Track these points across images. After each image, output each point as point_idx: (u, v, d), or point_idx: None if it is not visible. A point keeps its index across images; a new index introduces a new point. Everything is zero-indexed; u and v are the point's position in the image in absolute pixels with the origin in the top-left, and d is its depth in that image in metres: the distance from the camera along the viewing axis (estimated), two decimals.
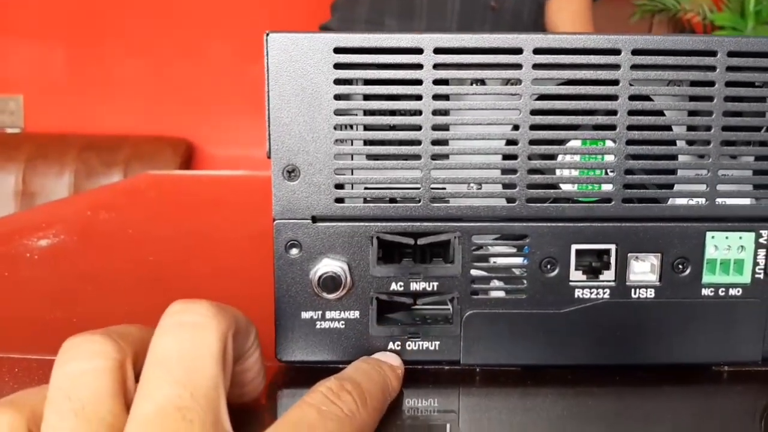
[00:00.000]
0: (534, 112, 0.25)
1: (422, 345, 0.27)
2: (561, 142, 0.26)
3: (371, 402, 0.22)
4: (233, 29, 1.62)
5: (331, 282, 0.25)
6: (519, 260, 0.26)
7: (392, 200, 0.26)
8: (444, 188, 0.26)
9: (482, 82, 0.26)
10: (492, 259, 0.26)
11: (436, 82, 0.25)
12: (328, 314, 0.26)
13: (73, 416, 0.18)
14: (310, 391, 0.21)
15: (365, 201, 0.26)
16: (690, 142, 0.26)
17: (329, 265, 0.25)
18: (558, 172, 0.26)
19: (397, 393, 0.25)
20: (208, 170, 1.59)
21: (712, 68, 0.25)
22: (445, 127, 0.25)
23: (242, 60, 1.58)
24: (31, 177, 1.55)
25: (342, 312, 0.26)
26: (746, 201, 0.26)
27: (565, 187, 0.26)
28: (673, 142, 0.26)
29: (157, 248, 0.49)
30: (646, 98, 0.25)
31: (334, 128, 0.25)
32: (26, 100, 1.69)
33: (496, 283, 0.26)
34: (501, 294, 0.26)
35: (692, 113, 0.26)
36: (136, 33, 1.64)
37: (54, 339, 0.31)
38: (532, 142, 0.25)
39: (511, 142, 0.25)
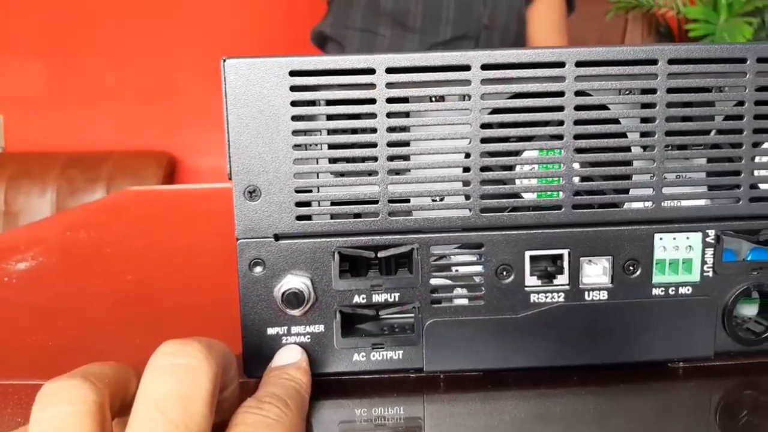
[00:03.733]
0: (484, 126, 0.26)
1: (386, 354, 0.27)
2: (512, 153, 0.27)
3: (292, 402, 0.23)
4: (214, 42, 1.63)
5: (294, 298, 0.26)
6: (477, 268, 0.27)
7: (353, 215, 0.27)
8: (402, 202, 0.27)
9: (442, 98, 0.27)
10: (454, 269, 0.27)
11: (390, 100, 0.26)
12: (294, 329, 0.27)
13: None
14: (233, 415, 0.22)
15: (326, 217, 0.27)
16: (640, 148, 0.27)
17: (292, 282, 0.26)
18: (515, 182, 0.27)
19: (310, 386, 0.26)
20: (190, 184, 1.59)
21: (654, 76, 0.26)
22: (400, 143, 0.26)
23: None
24: (13, 196, 1.54)
25: (307, 326, 0.27)
26: (692, 202, 0.27)
27: (522, 196, 0.27)
28: (619, 149, 0.27)
29: (135, 266, 0.49)
30: (592, 108, 0.26)
31: (293, 148, 0.26)
32: (6, 119, 1.68)
33: (456, 291, 0.27)
34: (460, 302, 0.27)
35: (644, 120, 0.27)
36: (115, 47, 1.64)
37: (30, 363, 0.32)
38: (484, 155, 0.26)
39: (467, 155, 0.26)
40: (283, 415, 0.22)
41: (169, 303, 0.40)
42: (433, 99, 0.27)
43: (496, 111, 0.26)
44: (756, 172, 0.27)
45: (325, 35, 1.10)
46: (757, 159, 0.27)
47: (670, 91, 0.26)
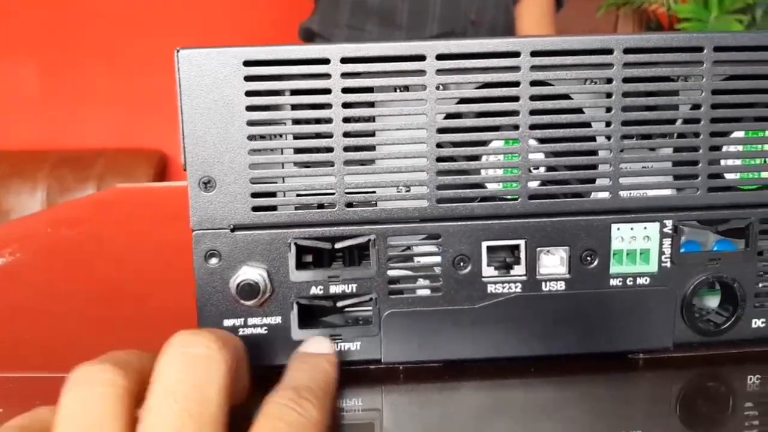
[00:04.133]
0: (443, 116, 0.26)
1: (345, 346, 0.27)
2: (470, 144, 0.27)
3: (324, 402, 0.23)
4: (203, 39, 1.62)
5: (249, 289, 0.26)
6: (434, 259, 0.27)
7: (310, 206, 0.27)
8: (360, 193, 0.27)
9: (407, 88, 0.26)
10: (415, 259, 0.27)
11: (345, 90, 0.26)
12: (251, 321, 0.27)
13: None
14: (267, 404, 0.22)
15: (283, 208, 0.27)
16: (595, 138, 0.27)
17: (248, 273, 0.26)
18: (472, 172, 0.27)
19: (337, 380, 0.25)
20: (180, 181, 1.59)
21: (609, 66, 0.26)
22: (357, 134, 0.26)
23: None
24: (4, 195, 1.54)
25: (264, 318, 0.27)
26: (650, 193, 0.27)
27: (483, 186, 0.27)
28: (576, 139, 0.27)
29: (114, 264, 0.49)
30: (548, 98, 0.26)
31: (248, 139, 0.26)
32: None
33: (414, 282, 0.27)
34: (418, 292, 0.27)
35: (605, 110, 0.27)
36: (106, 45, 1.64)
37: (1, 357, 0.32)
38: (442, 145, 0.26)
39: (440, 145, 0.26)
40: (317, 416, 0.22)
41: (143, 301, 0.40)
42: (398, 89, 0.27)
43: (448, 101, 0.26)
44: (714, 163, 0.27)
45: (313, 32, 1.10)
46: (715, 149, 0.27)
47: (626, 80, 0.26)
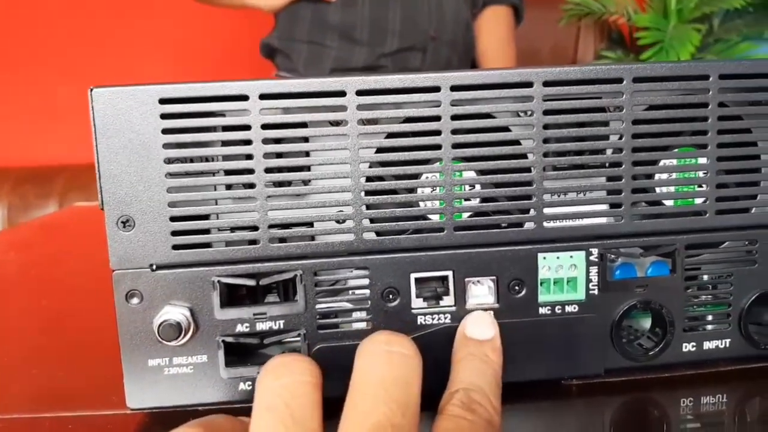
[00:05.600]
0: (379, 150, 0.26)
1: None
2: (396, 177, 0.26)
3: (495, 400, 0.23)
4: (166, 51, 1.61)
5: (170, 330, 0.25)
6: (363, 292, 0.27)
7: (236, 242, 0.26)
8: (283, 227, 0.26)
9: (338, 123, 0.26)
10: (350, 292, 0.27)
11: (265, 126, 0.25)
12: (176, 360, 0.26)
13: (291, 422, 0.20)
14: (443, 407, 0.22)
15: (205, 246, 0.26)
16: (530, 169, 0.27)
17: (170, 313, 0.26)
18: (401, 205, 0.27)
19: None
20: None
21: (530, 98, 0.26)
22: (279, 169, 0.26)
23: (182, 79, 1.57)
24: None
25: (189, 357, 0.26)
26: (575, 222, 0.27)
27: (418, 217, 0.26)
28: (499, 171, 0.27)
29: (55, 291, 0.48)
30: (471, 131, 0.26)
31: (166, 176, 0.25)
32: None
33: (343, 316, 0.27)
34: (347, 326, 0.27)
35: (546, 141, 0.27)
36: (66, 59, 1.61)
37: None
38: (369, 179, 0.26)
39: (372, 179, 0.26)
40: (493, 415, 0.22)
41: (77, 332, 0.39)
42: (331, 123, 0.26)
43: (373, 135, 0.26)
44: (639, 191, 0.27)
45: (273, 47, 1.09)
46: (639, 178, 0.27)
47: (546, 113, 0.26)
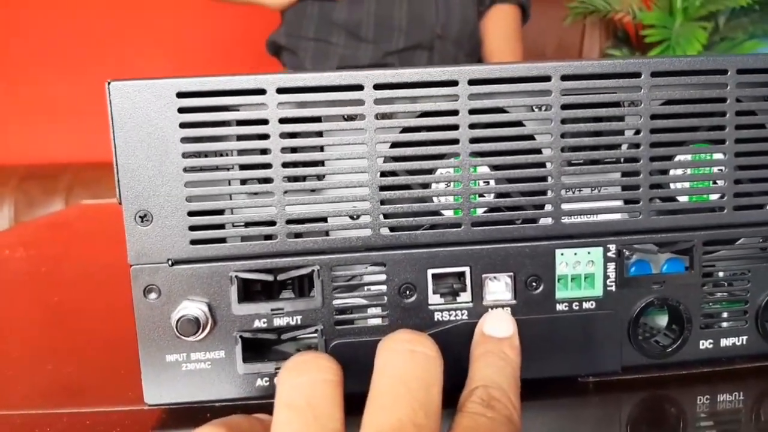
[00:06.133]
0: (394, 144, 0.26)
1: None
2: (412, 172, 0.26)
3: (514, 397, 0.23)
4: (172, 50, 1.61)
5: (188, 325, 0.25)
6: (380, 288, 0.27)
7: (254, 238, 0.26)
8: (301, 223, 0.26)
9: (350, 117, 0.26)
10: (357, 289, 0.27)
11: (282, 120, 0.25)
12: (193, 356, 0.26)
13: (313, 420, 0.20)
14: (463, 404, 0.22)
15: (223, 241, 0.26)
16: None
17: (188, 308, 0.26)
18: (420, 200, 0.26)
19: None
20: None
21: (548, 93, 0.26)
22: (297, 164, 0.26)
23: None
24: None
25: (207, 353, 0.26)
26: (592, 218, 0.27)
27: (435, 212, 0.26)
28: (516, 166, 0.26)
29: (67, 287, 0.48)
30: (488, 126, 0.26)
31: (184, 171, 0.25)
32: None
33: (361, 311, 0.27)
34: (365, 322, 0.27)
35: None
36: (71, 57, 1.61)
37: None
38: (384, 174, 0.26)
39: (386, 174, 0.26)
40: (512, 413, 0.22)
41: (89, 328, 0.39)
42: (345, 118, 0.26)
43: (391, 130, 0.26)
44: (656, 187, 0.27)
45: (279, 45, 1.09)
46: (658, 173, 0.27)
47: (564, 107, 0.26)
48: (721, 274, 0.28)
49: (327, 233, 0.27)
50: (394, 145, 0.26)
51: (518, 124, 0.26)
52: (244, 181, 0.26)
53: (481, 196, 0.27)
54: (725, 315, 0.29)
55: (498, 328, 0.26)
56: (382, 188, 0.26)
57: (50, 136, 1.62)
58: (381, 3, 1.02)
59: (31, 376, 0.32)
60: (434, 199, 0.27)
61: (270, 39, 1.11)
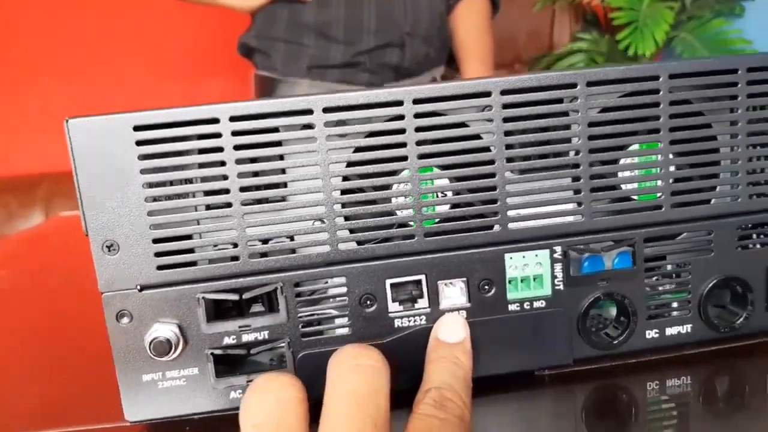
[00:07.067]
0: (349, 164, 0.27)
1: None
2: (367, 189, 0.28)
3: (466, 398, 0.25)
4: (152, 57, 1.60)
5: (161, 346, 0.27)
6: (343, 300, 0.28)
7: (218, 260, 0.28)
8: (261, 243, 0.28)
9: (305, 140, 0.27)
10: (330, 300, 0.28)
11: (237, 147, 0.26)
12: (168, 374, 0.28)
13: None
14: (417, 405, 0.24)
15: (188, 265, 0.27)
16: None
17: (159, 330, 0.27)
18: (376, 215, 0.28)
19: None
20: None
21: (489, 107, 0.27)
22: (255, 188, 0.27)
23: (160, 84, 1.57)
24: None
25: (181, 370, 0.28)
26: (538, 222, 0.29)
27: (389, 225, 0.28)
28: (469, 178, 0.28)
29: (48, 306, 0.49)
30: (435, 142, 0.27)
31: (146, 200, 0.26)
32: None
33: (324, 323, 0.28)
34: (330, 333, 0.28)
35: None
36: (45, 63, 1.60)
37: None
38: (342, 192, 0.27)
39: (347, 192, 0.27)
40: (462, 413, 0.23)
41: (70, 348, 0.40)
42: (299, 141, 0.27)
43: (344, 150, 0.27)
44: (596, 190, 0.29)
45: (250, 47, 1.10)
46: (596, 177, 0.29)
47: (506, 120, 0.28)
48: (664, 267, 0.30)
49: (291, 251, 0.28)
50: (350, 164, 0.27)
51: (465, 138, 0.28)
52: (207, 207, 0.27)
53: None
54: (670, 305, 0.31)
55: (451, 334, 0.27)
56: (339, 205, 0.27)
57: (24, 146, 1.61)
58: (349, 4, 1.03)
59: (16, 399, 0.33)
60: (391, 213, 0.28)
61: (241, 41, 1.11)
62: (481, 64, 1.09)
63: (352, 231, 0.28)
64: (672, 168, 0.29)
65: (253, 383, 0.23)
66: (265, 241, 0.28)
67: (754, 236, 0.30)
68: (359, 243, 0.28)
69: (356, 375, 0.23)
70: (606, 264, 0.30)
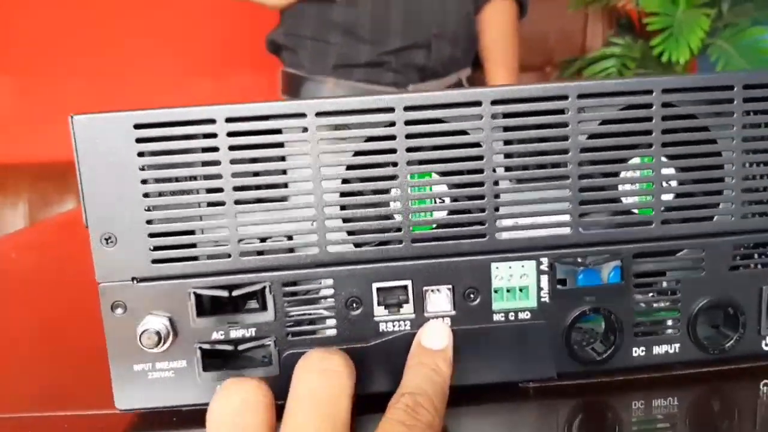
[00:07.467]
0: (347, 167, 0.28)
1: None
2: (357, 193, 0.28)
3: (439, 405, 0.25)
4: (180, 49, 1.63)
5: (151, 338, 0.28)
6: (328, 302, 0.29)
7: (207, 257, 0.28)
8: (252, 242, 0.28)
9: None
10: (317, 301, 0.29)
11: (232, 147, 0.27)
12: (158, 365, 0.29)
13: None
14: (389, 408, 0.25)
15: (182, 260, 0.28)
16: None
17: (151, 322, 0.28)
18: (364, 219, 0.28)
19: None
20: None
21: (479, 117, 0.28)
22: (248, 188, 0.28)
23: (190, 74, 1.60)
24: None
25: (170, 362, 0.29)
26: (525, 233, 0.29)
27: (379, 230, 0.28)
28: (458, 186, 0.28)
29: (58, 294, 0.50)
30: (427, 149, 0.28)
31: (144, 196, 0.27)
32: None
33: (310, 324, 0.29)
34: (315, 333, 0.29)
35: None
36: (79, 55, 1.65)
37: None
38: (338, 194, 0.28)
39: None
40: (432, 421, 0.24)
41: (77, 334, 0.41)
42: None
43: (340, 153, 0.28)
44: (585, 203, 0.29)
45: (278, 43, 1.11)
46: (585, 191, 0.29)
47: (495, 130, 0.28)
48: (654, 284, 0.30)
49: (282, 251, 0.29)
50: (348, 168, 0.28)
51: (453, 147, 0.28)
52: (201, 204, 0.28)
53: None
54: (659, 323, 0.30)
55: (434, 341, 0.28)
56: (329, 208, 0.28)
57: (62, 134, 1.66)
58: (377, 3, 1.04)
59: (18, 381, 0.34)
60: (381, 217, 0.28)
61: (269, 38, 1.13)
62: (505, 68, 1.09)
63: (349, 233, 0.28)
64: (664, 184, 0.29)
65: (222, 385, 0.24)
66: (257, 241, 0.28)
67: (748, 257, 0.30)
68: (348, 245, 0.29)
69: (318, 378, 0.24)
70: (592, 278, 0.30)
